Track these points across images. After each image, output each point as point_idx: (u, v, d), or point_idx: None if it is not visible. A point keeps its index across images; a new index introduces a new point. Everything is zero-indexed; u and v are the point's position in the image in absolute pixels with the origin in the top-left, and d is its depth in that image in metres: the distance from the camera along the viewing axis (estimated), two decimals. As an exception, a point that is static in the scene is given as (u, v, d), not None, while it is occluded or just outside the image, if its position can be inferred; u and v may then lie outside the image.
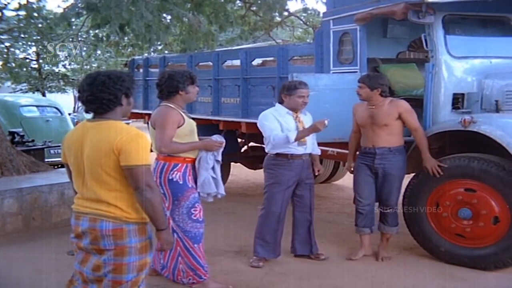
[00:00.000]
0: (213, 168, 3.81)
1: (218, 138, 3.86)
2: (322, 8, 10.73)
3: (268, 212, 4.36)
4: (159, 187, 3.73)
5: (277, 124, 4.22)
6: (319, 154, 4.57)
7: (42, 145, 7.70)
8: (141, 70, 8.27)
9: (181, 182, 3.73)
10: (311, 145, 4.37)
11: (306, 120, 4.35)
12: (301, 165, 4.30)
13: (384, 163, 4.33)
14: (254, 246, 4.39)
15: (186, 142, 3.72)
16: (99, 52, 17.71)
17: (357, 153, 4.63)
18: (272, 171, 4.31)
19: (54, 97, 20.71)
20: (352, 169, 4.67)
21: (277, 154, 4.28)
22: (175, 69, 4.14)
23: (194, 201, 3.78)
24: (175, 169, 3.72)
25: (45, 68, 21.00)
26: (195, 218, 3.77)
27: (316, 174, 4.55)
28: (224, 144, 3.85)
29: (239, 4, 11.27)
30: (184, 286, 3.83)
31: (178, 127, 3.69)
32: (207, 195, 3.85)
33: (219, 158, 3.84)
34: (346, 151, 4.79)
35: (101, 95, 2.41)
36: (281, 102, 4.34)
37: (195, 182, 3.80)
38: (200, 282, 3.80)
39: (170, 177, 3.72)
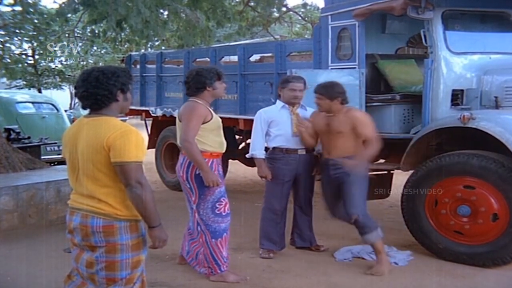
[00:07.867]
0: None
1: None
2: (320, 4, 10.71)
3: (267, 206, 4.48)
4: (185, 182, 3.81)
5: (260, 133, 4.33)
6: None
7: (38, 142, 7.67)
8: (138, 66, 8.21)
9: None
10: None
11: (305, 114, 4.40)
12: (297, 159, 4.35)
13: (338, 172, 4.12)
14: (260, 239, 4.49)
15: (206, 152, 3.77)
16: (95, 48, 17.62)
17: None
18: (270, 165, 4.36)
19: (50, 94, 20.63)
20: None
21: (274, 148, 4.37)
22: (202, 66, 4.19)
23: (220, 195, 3.85)
24: None
25: (41, 64, 20.86)
26: (218, 212, 3.84)
27: (313, 173, 4.52)
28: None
29: (237, 0, 11.21)
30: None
31: (206, 122, 3.76)
32: None
33: None
34: None
35: (95, 91, 2.39)
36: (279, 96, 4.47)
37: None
38: (211, 275, 3.90)
39: (197, 172, 3.76)
